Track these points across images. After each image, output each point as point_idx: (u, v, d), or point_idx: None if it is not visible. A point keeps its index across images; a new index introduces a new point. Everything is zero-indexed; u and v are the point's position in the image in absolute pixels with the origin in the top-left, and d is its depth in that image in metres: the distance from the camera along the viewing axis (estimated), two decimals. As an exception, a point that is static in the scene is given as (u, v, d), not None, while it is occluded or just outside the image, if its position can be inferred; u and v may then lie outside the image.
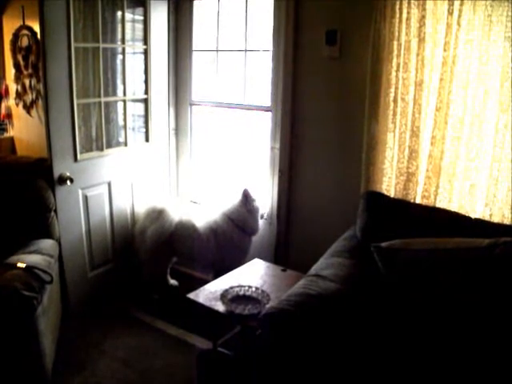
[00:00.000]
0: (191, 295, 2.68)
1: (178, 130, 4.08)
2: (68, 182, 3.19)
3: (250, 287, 2.64)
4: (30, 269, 2.58)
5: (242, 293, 2.62)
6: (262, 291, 2.60)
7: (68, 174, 3.20)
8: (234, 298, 2.58)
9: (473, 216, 2.72)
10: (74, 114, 3.19)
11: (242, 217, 3.43)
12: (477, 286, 2.21)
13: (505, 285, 2.16)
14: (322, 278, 2.42)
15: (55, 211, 3.14)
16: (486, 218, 2.73)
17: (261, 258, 3.40)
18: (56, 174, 3.16)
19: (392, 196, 2.97)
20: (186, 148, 4.12)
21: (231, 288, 2.62)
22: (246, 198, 3.40)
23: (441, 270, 2.29)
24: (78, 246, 3.40)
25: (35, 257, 2.77)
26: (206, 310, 2.59)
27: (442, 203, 2.87)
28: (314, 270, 2.56)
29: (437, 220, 2.65)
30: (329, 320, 2.19)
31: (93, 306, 3.51)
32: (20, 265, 2.59)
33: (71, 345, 3.11)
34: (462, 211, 2.77)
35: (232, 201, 3.48)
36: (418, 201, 2.94)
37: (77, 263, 3.39)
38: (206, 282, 3.76)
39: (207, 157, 4.14)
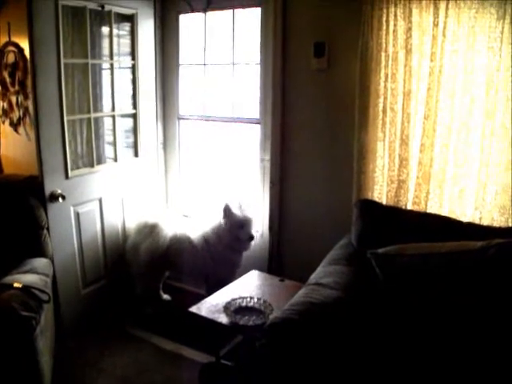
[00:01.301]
0: (193, 309, 2.68)
1: (166, 145, 4.08)
2: (60, 199, 3.16)
3: (251, 298, 2.65)
4: (26, 288, 2.53)
5: (244, 304, 2.63)
6: (264, 301, 2.62)
7: (59, 191, 3.17)
8: (236, 309, 2.59)
9: (463, 220, 2.79)
10: (64, 130, 3.18)
11: (222, 232, 3.37)
12: (472, 288, 2.26)
13: (499, 285, 2.22)
14: (323, 286, 2.45)
15: (47, 229, 3.10)
16: (476, 221, 2.81)
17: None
18: (47, 191, 3.13)
19: (384, 203, 3.03)
20: (175, 162, 4.12)
21: (233, 300, 2.63)
22: (225, 214, 3.34)
23: (437, 274, 2.34)
24: (71, 264, 3.36)
25: (31, 276, 2.72)
26: (208, 323, 2.59)
27: (432, 208, 2.95)
28: (313, 278, 2.59)
29: (429, 225, 2.72)
30: (332, 327, 2.22)
31: (87, 324, 3.46)
32: (16, 285, 2.54)
33: (68, 364, 3.06)
34: (453, 215, 2.86)
35: (217, 218, 3.44)
36: (410, 207, 3.00)
37: (69, 281, 3.35)
38: (199, 295, 3.78)
39: (196, 170, 4.15)
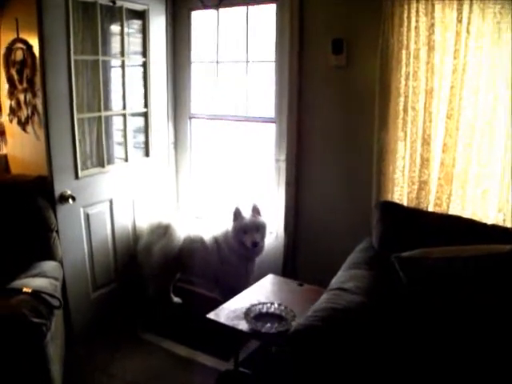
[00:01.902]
0: (211, 315, 2.59)
1: (176, 144, 3.99)
2: (70, 201, 3.07)
3: (272, 304, 2.56)
4: (36, 293, 2.44)
5: (264, 310, 2.54)
6: (286, 308, 2.52)
7: (69, 192, 3.08)
8: (256, 316, 2.49)
9: (486, 222, 2.71)
10: (74, 129, 3.09)
11: (233, 241, 3.26)
12: (500, 292, 2.19)
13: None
14: (346, 291, 2.37)
15: (57, 231, 3.01)
16: (500, 223, 2.72)
17: (268, 273, 3.34)
18: (57, 192, 3.04)
19: (405, 205, 2.95)
20: (186, 162, 4.04)
21: (253, 306, 2.54)
22: (235, 217, 3.23)
23: (464, 278, 2.26)
24: (81, 267, 3.27)
25: (40, 280, 2.63)
26: (223, 329, 2.51)
27: (455, 210, 2.86)
28: (335, 283, 2.51)
29: (453, 227, 2.63)
30: (356, 334, 2.14)
31: (97, 328, 3.37)
32: (26, 289, 2.45)
33: (78, 369, 2.97)
34: (476, 217, 2.76)
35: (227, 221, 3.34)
36: (431, 209, 2.92)
37: (79, 284, 3.26)
38: (210, 298, 3.72)
39: (208, 171, 4.06)
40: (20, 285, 2.53)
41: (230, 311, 2.60)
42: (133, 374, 2.99)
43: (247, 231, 3.18)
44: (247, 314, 2.47)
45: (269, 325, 2.40)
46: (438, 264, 2.34)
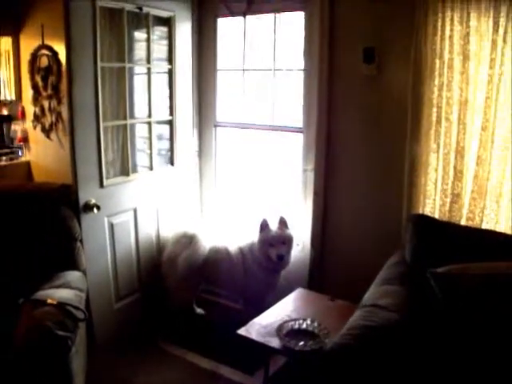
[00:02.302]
0: (242, 331, 2.53)
1: (201, 153, 3.94)
2: (95, 210, 3.03)
3: (304, 320, 2.49)
4: (61, 305, 2.39)
5: (296, 327, 2.47)
6: (319, 324, 2.46)
7: (94, 201, 3.04)
8: (288, 332, 2.42)
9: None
10: (100, 137, 3.06)
11: (258, 253, 3.19)
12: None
13: None
14: (380, 308, 2.30)
15: (81, 241, 2.96)
16: (536, 238, 2.65)
17: (293, 285, 3.28)
18: (82, 201, 3.01)
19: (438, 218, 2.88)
20: (211, 171, 3.98)
21: (285, 322, 2.47)
22: (261, 229, 3.17)
23: (504, 295, 2.19)
24: (104, 277, 3.23)
25: (65, 291, 2.57)
26: (256, 346, 2.45)
27: (488, 225, 2.79)
28: (367, 299, 2.44)
29: (487, 242, 2.55)
30: (392, 353, 2.07)
31: (119, 339, 3.31)
32: (50, 301, 2.40)
33: (100, 381, 2.91)
34: (510, 233, 2.70)
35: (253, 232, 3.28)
36: (463, 223, 2.84)
37: (102, 295, 3.22)
38: (233, 310, 3.67)
39: (233, 180, 4.00)
40: (44, 296, 2.48)
41: (261, 327, 2.54)
42: (157, 387, 2.95)
43: (273, 244, 3.12)
44: (279, 330, 2.41)
45: (302, 343, 2.33)
46: (477, 280, 2.27)
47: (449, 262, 2.40)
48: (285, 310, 2.75)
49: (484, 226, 2.79)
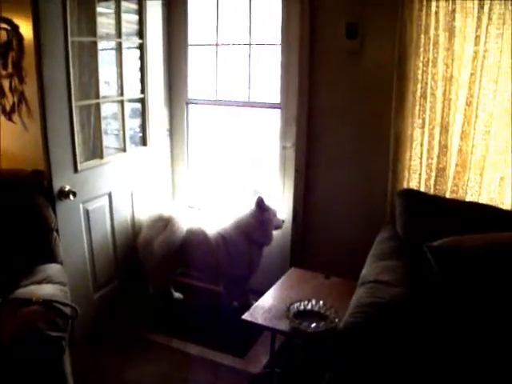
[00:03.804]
0: (247, 316, 2.47)
1: (172, 132, 3.76)
2: (70, 197, 2.81)
3: (309, 301, 2.45)
4: (48, 303, 2.22)
5: (302, 308, 2.43)
6: (324, 304, 2.44)
7: (69, 188, 2.82)
8: (295, 314, 2.38)
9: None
10: (72, 118, 2.82)
11: (253, 227, 3.21)
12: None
13: None
14: (384, 284, 2.32)
15: (57, 230, 2.75)
16: (516, 209, 2.78)
17: (275, 264, 3.26)
18: (56, 187, 2.78)
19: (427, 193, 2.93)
20: (182, 151, 3.82)
21: (291, 304, 2.42)
22: (260, 208, 3.18)
23: (499, 265, 2.27)
24: (81, 267, 3.04)
25: (48, 287, 2.40)
26: (264, 329, 2.41)
27: (472, 197, 2.89)
28: (368, 275, 2.45)
29: (477, 215, 2.64)
30: (405, 329, 2.10)
31: (101, 332, 3.15)
32: (37, 299, 2.22)
33: (87, 376, 2.73)
34: (492, 204, 2.80)
35: (244, 209, 3.26)
36: (448, 195, 2.92)
37: (81, 285, 3.03)
38: (211, 292, 3.60)
39: (207, 159, 3.87)
40: (28, 293, 2.29)
41: (265, 311, 2.49)
42: (148, 378, 2.83)
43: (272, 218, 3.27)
44: (288, 313, 2.37)
45: (315, 324, 2.30)
46: (472, 252, 2.33)
47: (441, 235, 2.44)
48: (283, 291, 2.72)
49: (468, 199, 2.88)
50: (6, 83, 2.92)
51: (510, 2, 2.60)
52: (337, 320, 2.30)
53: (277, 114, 3.41)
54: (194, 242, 3.28)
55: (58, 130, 2.77)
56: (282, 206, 3.45)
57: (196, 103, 3.73)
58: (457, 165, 2.88)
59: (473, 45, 2.71)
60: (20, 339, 2.07)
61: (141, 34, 3.29)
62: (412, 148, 2.94)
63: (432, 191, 2.94)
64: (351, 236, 3.15)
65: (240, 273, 3.30)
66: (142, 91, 3.39)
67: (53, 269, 2.60)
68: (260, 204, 3.17)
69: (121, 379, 2.81)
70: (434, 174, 2.94)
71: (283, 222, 3.33)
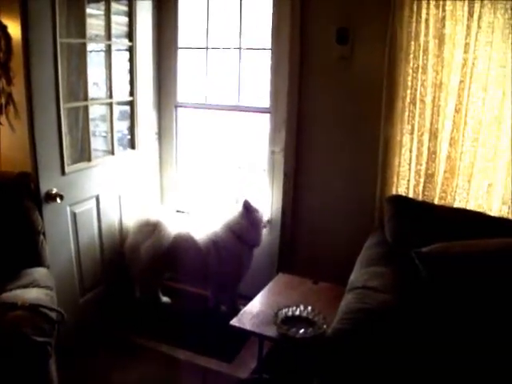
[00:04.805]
0: (235, 322, 2.46)
1: (161, 135, 3.74)
2: (58, 200, 2.78)
3: (297, 307, 2.45)
4: (34, 308, 2.20)
5: (290, 314, 2.42)
6: (313, 310, 2.43)
7: (56, 190, 2.79)
8: (283, 320, 2.38)
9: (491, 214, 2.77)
10: (60, 120, 2.79)
11: (244, 229, 3.21)
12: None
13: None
14: (372, 290, 2.32)
15: (43, 234, 2.72)
16: (504, 216, 2.79)
17: (263, 269, 3.25)
18: (43, 190, 2.75)
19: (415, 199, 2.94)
20: (171, 154, 3.79)
21: (279, 310, 2.42)
22: (247, 210, 3.19)
23: (487, 271, 2.28)
24: (68, 271, 3.00)
25: (34, 291, 2.37)
26: (252, 335, 2.40)
27: (460, 203, 2.91)
28: (356, 281, 2.45)
29: (465, 221, 2.65)
30: (392, 335, 2.11)
31: (88, 336, 3.11)
32: (23, 303, 2.19)
33: (73, 382, 2.71)
34: (480, 210, 2.82)
35: (232, 212, 3.26)
36: (436, 202, 2.94)
37: (67, 289, 2.99)
38: (198, 296, 3.58)
39: (196, 163, 3.84)
40: (14, 297, 2.26)
41: (253, 316, 2.48)
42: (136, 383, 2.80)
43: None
44: (276, 319, 2.36)
45: (302, 330, 2.30)
46: (460, 258, 2.34)
47: (430, 242, 2.45)
48: (270, 297, 2.71)
49: (456, 205, 2.90)
50: (-7, 85, 2.89)
51: (498, 11, 2.64)
52: (325, 326, 2.29)
53: (266, 118, 3.41)
54: (182, 247, 3.26)
55: (45, 132, 2.74)
56: (271, 210, 3.45)
57: (185, 106, 3.72)
58: (445, 171, 2.90)
59: (462, 52, 2.74)
60: (5, 344, 2.04)
61: (130, 36, 3.28)
62: (401, 154, 2.96)
63: (420, 197, 2.96)
64: (340, 241, 3.16)
65: (230, 277, 3.28)
66: (131, 94, 3.38)
67: (39, 272, 2.57)
68: (247, 206, 3.18)
69: (107, 384, 2.79)
70: (422, 180, 2.95)
71: (268, 222, 3.38)
